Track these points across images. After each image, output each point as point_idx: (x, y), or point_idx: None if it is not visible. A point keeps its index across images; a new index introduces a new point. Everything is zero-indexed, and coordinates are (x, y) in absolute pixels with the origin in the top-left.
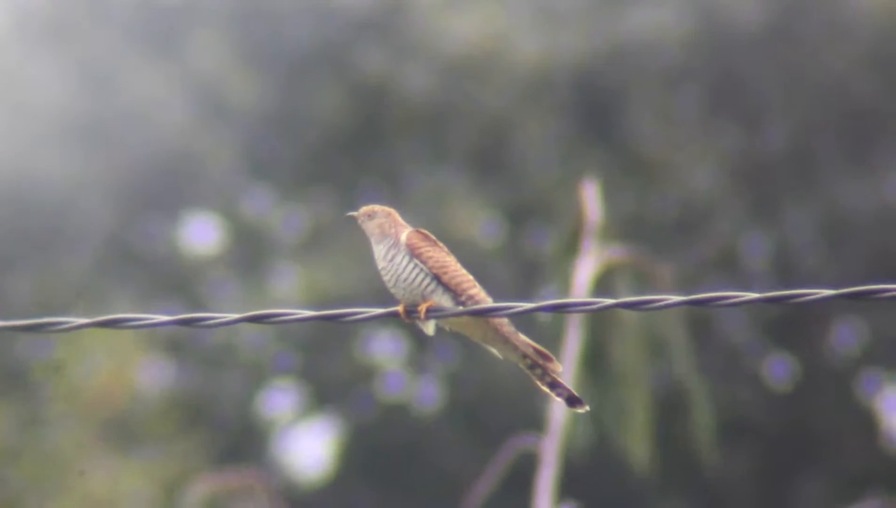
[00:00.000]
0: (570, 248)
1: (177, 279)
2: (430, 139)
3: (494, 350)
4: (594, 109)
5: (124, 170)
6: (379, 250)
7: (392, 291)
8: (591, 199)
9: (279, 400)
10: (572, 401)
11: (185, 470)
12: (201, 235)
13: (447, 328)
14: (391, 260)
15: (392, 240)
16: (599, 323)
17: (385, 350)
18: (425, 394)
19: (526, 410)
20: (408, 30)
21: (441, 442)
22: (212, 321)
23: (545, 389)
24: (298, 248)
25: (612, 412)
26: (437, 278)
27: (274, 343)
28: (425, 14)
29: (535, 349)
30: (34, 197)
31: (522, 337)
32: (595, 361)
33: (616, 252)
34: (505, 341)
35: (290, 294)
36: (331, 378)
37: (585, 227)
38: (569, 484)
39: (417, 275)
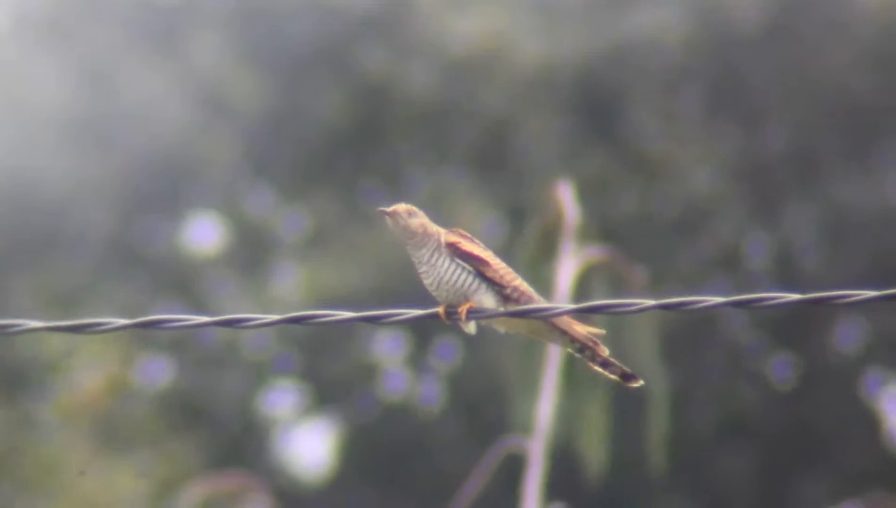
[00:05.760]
0: (545, 250)
1: (178, 279)
2: (432, 138)
3: (542, 338)
4: (596, 109)
5: (125, 170)
6: (421, 254)
7: (434, 293)
8: (568, 199)
9: (280, 399)
10: (626, 377)
11: (183, 471)
12: (202, 234)
13: (493, 327)
14: (433, 263)
15: (434, 242)
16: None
17: (385, 350)
18: (426, 393)
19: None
20: (409, 29)
21: (442, 441)
22: (253, 323)
23: (598, 369)
24: (300, 247)
25: (571, 414)
26: (480, 275)
27: (275, 343)
28: (427, 13)
29: (583, 333)
30: (35, 197)
31: (569, 321)
32: (567, 364)
33: (593, 253)
34: (552, 328)
35: (292, 294)
36: (331, 378)
37: (563, 228)
38: (568, 485)
39: (461, 275)
